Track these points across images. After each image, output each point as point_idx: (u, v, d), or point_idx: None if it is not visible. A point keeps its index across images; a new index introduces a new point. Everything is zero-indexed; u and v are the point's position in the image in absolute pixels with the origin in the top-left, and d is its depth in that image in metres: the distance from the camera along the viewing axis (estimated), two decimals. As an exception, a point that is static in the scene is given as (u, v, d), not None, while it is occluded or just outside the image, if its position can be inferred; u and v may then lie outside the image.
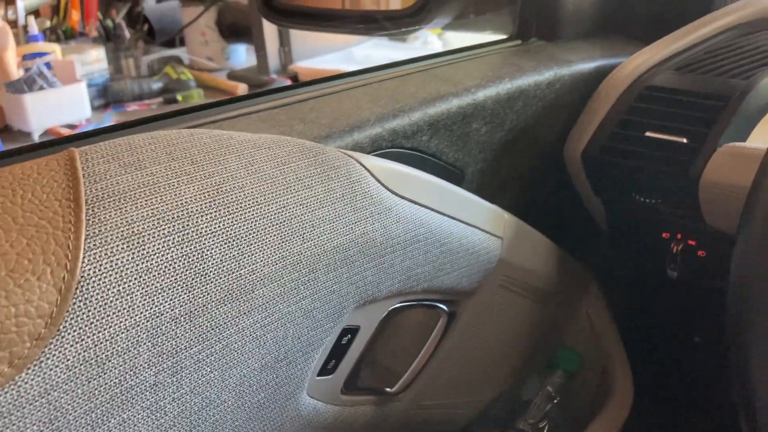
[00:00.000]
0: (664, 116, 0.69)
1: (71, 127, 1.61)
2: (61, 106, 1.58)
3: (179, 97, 1.78)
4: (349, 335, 0.51)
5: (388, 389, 0.59)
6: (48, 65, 1.61)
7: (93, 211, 0.34)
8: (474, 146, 0.66)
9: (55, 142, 0.48)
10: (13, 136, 1.55)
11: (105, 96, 1.76)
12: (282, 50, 1.88)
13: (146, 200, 0.36)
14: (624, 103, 0.72)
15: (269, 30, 1.84)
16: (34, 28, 1.66)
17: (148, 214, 0.35)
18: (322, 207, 0.43)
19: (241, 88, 1.78)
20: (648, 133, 0.69)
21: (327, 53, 1.90)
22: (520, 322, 0.72)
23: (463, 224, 0.56)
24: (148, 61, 1.89)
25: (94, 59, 1.75)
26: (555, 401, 0.78)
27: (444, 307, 0.60)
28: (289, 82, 1.77)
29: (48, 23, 1.84)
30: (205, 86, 1.84)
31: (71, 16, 1.80)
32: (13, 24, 1.70)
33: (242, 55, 2.01)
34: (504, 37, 0.80)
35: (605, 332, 0.83)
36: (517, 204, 0.75)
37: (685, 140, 0.67)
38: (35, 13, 1.85)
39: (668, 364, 0.90)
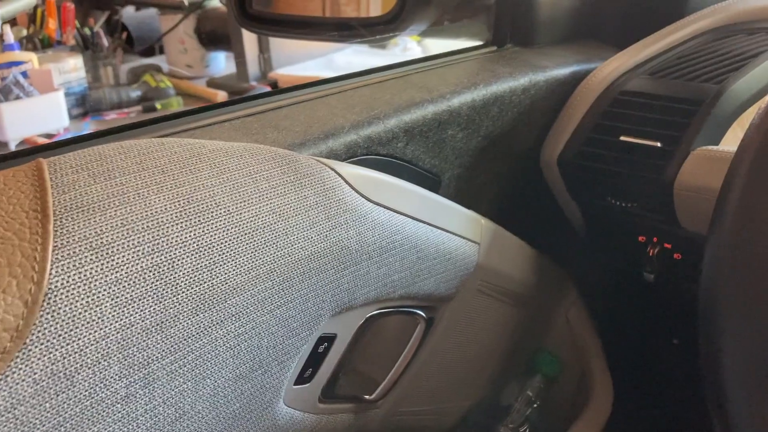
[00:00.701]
0: (638, 121, 0.70)
1: (49, 136, 1.59)
2: (38, 115, 1.57)
3: (158, 105, 1.76)
4: (326, 343, 0.51)
5: (366, 397, 0.59)
6: (24, 74, 1.59)
7: (61, 221, 0.34)
8: (450, 152, 0.66)
9: (29, 152, 0.48)
10: (-12, 145, 1.53)
11: (83, 105, 1.74)
12: (261, 57, 1.88)
13: (115, 210, 0.35)
14: (599, 108, 0.73)
15: (248, 37, 1.83)
16: (9, 36, 1.64)
17: (117, 224, 0.35)
18: (296, 215, 0.43)
19: (221, 96, 1.77)
20: (622, 138, 0.70)
21: (307, 60, 1.90)
22: (499, 327, 0.73)
23: (440, 230, 0.56)
24: (127, 70, 1.87)
25: (72, 68, 1.73)
26: (535, 405, 0.78)
27: (422, 314, 0.60)
28: (268, 89, 1.77)
29: (25, 32, 1.82)
30: (184, 94, 1.83)
31: (48, 24, 1.78)
32: (-11, 33, 1.69)
33: (222, 63, 2.00)
34: (480, 43, 0.81)
35: (584, 336, 0.83)
36: (494, 209, 0.75)
37: (659, 144, 0.67)
38: (12, 22, 1.83)
39: (647, 367, 0.90)
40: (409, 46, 1.87)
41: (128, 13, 2.04)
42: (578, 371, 0.83)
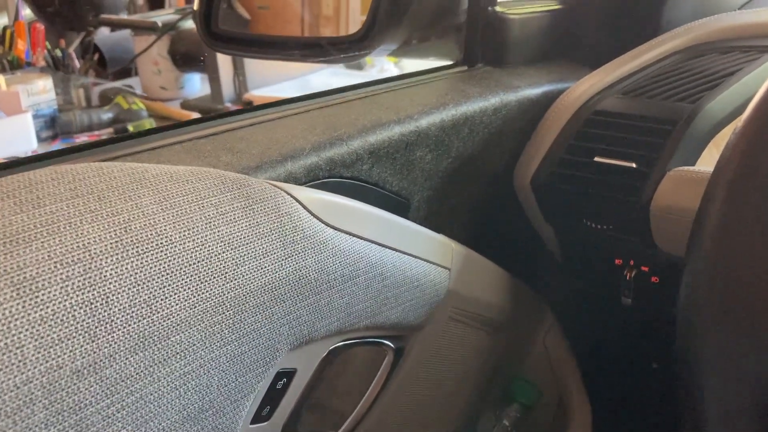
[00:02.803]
0: (612, 141, 0.68)
1: (16, 159, 1.55)
2: (4, 138, 1.53)
3: (130, 128, 1.73)
4: (285, 379, 0.48)
5: None
6: (-9, 96, 1.56)
7: None
8: (419, 174, 0.64)
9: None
10: (-46, 169, 1.49)
11: (53, 127, 1.71)
12: (236, 79, 1.85)
13: (42, 242, 0.32)
14: (572, 128, 0.71)
15: (223, 59, 1.81)
16: (-23, 58, 1.61)
17: (43, 257, 0.32)
18: (247, 243, 0.40)
19: (194, 118, 1.74)
20: (597, 159, 0.68)
21: (283, 81, 1.88)
22: (474, 355, 0.70)
23: (407, 256, 0.54)
24: (99, 92, 1.84)
25: (41, 89, 1.69)
26: (512, 436, 0.75)
27: (390, 344, 0.57)
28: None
29: (-7, 54, 1.78)
30: (157, 116, 1.80)
31: (17, 45, 1.75)
32: (-44, 54, 1.65)
33: (196, 84, 1.97)
34: (450, 62, 0.79)
35: (562, 362, 0.81)
36: (467, 233, 0.73)
37: (634, 165, 0.66)
38: (-19, 43, 1.80)
39: (626, 392, 0.88)
40: (386, 67, 1.86)
41: (102, 34, 2.01)
42: (556, 398, 0.81)
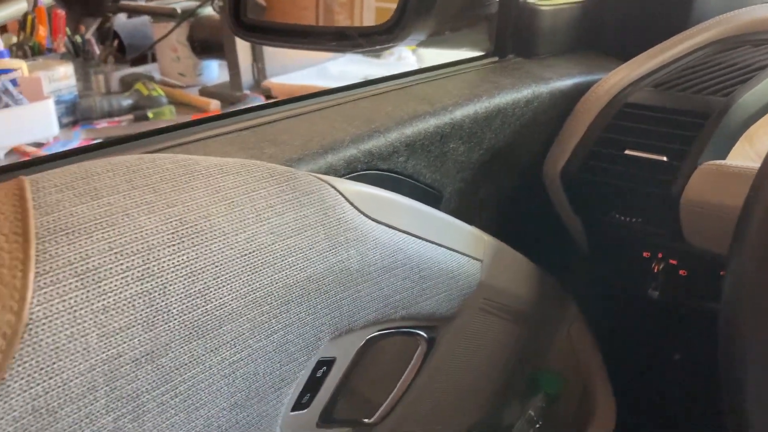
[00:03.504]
0: (643, 134, 0.68)
1: (38, 145, 1.56)
2: (27, 123, 1.54)
3: (150, 114, 1.74)
4: (325, 367, 0.48)
5: (366, 420, 0.57)
6: (14, 82, 1.56)
7: (43, 245, 0.31)
8: (452, 166, 0.64)
9: (9, 168, 0.45)
10: (-23, 154, 1.50)
11: (74, 113, 1.71)
12: (255, 66, 1.85)
13: (103, 233, 0.33)
14: (602, 120, 0.71)
15: (242, 46, 1.81)
16: (-1, 43, 1.62)
17: (104, 248, 0.33)
18: (295, 235, 0.41)
19: (213, 105, 1.75)
20: (627, 152, 0.68)
21: (301, 69, 1.87)
22: (501, 346, 0.71)
23: (443, 248, 0.54)
24: (118, 78, 1.85)
25: (62, 76, 1.70)
26: (537, 425, 0.76)
27: (423, 334, 0.58)
28: (262, 98, 1.74)
29: (14, 39, 1.79)
30: (176, 102, 1.80)
31: (38, 32, 1.76)
32: (-22, 40, 1.66)
33: (214, 71, 1.97)
34: (480, 53, 0.79)
35: (586, 353, 0.81)
36: (496, 223, 0.73)
37: (665, 158, 0.66)
38: (1, 29, 1.81)
39: (650, 383, 0.88)
40: (404, 55, 1.85)
41: (120, 20, 2.02)
42: (580, 389, 0.81)
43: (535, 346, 0.78)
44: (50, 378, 0.30)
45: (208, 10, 1.91)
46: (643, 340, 0.86)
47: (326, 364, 0.48)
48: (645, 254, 0.72)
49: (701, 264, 0.68)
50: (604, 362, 0.81)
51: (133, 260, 0.33)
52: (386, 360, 0.56)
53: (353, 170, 0.54)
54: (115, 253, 0.33)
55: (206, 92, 1.86)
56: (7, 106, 1.51)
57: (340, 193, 0.44)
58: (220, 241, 0.37)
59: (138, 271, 0.33)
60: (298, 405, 0.48)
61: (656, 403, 0.88)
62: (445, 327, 0.60)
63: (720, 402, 0.47)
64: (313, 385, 0.48)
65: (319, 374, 0.48)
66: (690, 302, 0.71)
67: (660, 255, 0.71)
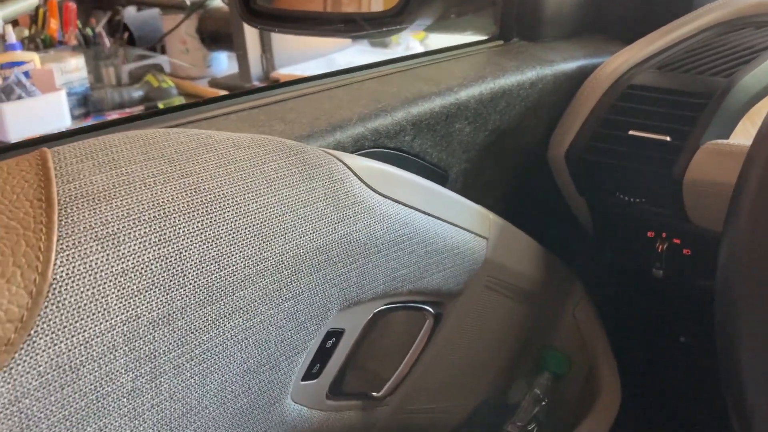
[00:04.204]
0: (646, 115, 0.69)
1: (51, 136, 1.58)
2: (40, 115, 1.56)
3: (160, 105, 1.76)
4: (334, 338, 0.50)
5: (374, 393, 0.58)
6: (26, 74, 1.58)
7: (66, 211, 0.33)
8: (457, 146, 0.66)
9: (32, 143, 0.47)
10: (-9, 146, 1.52)
11: (85, 105, 1.74)
12: (264, 57, 1.87)
13: (121, 200, 0.35)
14: (606, 102, 0.72)
15: (251, 37, 1.82)
16: (11, 36, 1.63)
17: (123, 214, 0.34)
18: (304, 206, 0.43)
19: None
20: (631, 132, 0.69)
21: (309, 60, 1.89)
22: (506, 324, 0.72)
23: (449, 224, 0.55)
24: (129, 70, 1.87)
25: (74, 68, 1.72)
26: (543, 403, 0.77)
27: (430, 309, 0.59)
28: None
29: (27, 32, 1.81)
30: (186, 94, 1.82)
31: (50, 24, 1.78)
32: (-10, 33, 1.68)
33: (224, 63, 1.99)
34: (486, 37, 0.80)
35: (591, 333, 0.82)
36: (501, 204, 0.75)
37: (668, 138, 0.67)
38: (13, 22, 1.83)
39: (655, 364, 0.89)
40: (411, 44, 1.86)
41: (130, 13, 2.04)
42: (586, 368, 0.82)
43: (541, 326, 0.79)
44: (73, 336, 0.32)
45: (217, 2, 1.92)
46: (649, 320, 0.87)
47: (335, 335, 0.50)
48: (649, 234, 0.73)
49: (705, 243, 0.69)
50: (609, 342, 0.82)
51: (150, 226, 0.35)
52: (394, 334, 0.57)
53: (360, 148, 0.56)
54: (133, 219, 0.35)
55: (215, 83, 1.88)
56: (20, 97, 1.53)
57: (349, 168, 0.46)
58: (232, 209, 0.39)
59: (155, 237, 0.35)
60: (309, 375, 0.49)
61: (661, 383, 0.90)
62: (451, 303, 0.61)
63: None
64: (322, 356, 0.50)
65: (328, 345, 0.50)
66: (694, 281, 0.72)
67: (664, 235, 0.72)
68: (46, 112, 1.57)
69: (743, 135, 0.66)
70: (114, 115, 1.72)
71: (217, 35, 1.92)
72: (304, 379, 0.49)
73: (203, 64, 1.97)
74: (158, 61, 1.95)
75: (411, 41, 1.87)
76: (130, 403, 0.35)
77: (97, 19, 1.95)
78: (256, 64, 1.87)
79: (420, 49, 1.85)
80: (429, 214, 0.53)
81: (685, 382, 0.88)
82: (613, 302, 0.86)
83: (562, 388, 0.81)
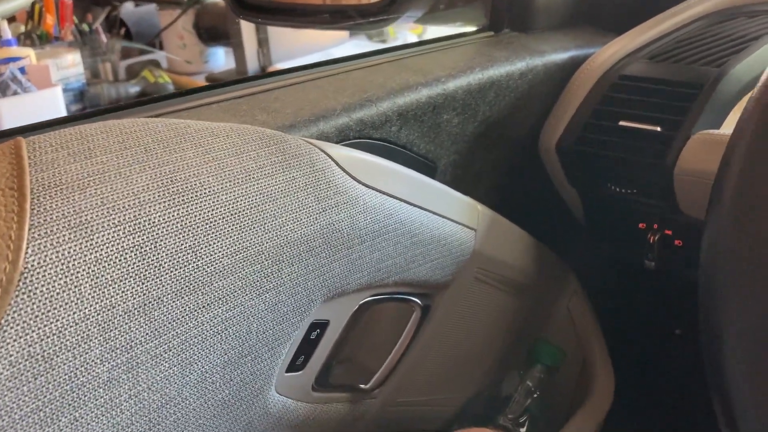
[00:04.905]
0: (637, 105, 0.68)
1: (47, 132, 1.58)
2: (35, 111, 1.55)
3: (157, 101, 1.75)
4: (318, 330, 0.50)
5: (362, 386, 0.58)
6: (22, 70, 1.58)
7: (38, 200, 0.33)
8: (446, 138, 0.65)
9: (9, 133, 0.47)
10: (-13, 142, 1.52)
11: (81, 100, 1.73)
12: (260, 52, 1.86)
13: (95, 189, 0.34)
14: (597, 93, 0.72)
15: (247, 32, 1.82)
16: (7, 32, 1.63)
17: (97, 203, 0.34)
18: (284, 196, 0.42)
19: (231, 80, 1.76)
20: (622, 123, 0.69)
21: (306, 54, 1.88)
22: (498, 316, 0.72)
23: (435, 215, 0.55)
24: (126, 65, 1.86)
25: (70, 63, 1.72)
26: (535, 396, 0.77)
27: (418, 301, 0.59)
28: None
29: (22, 28, 1.81)
30: (183, 90, 1.82)
31: (46, 20, 1.77)
32: (-14, 29, 1.68)
33: (221, 58, 1.98)
34: (476, 28, 0.80)
35: (585, 325, 0.82)
36: (492, 197, 0.74)
37: (659, 129, 0.66)
38: (10, 19, 1.82)
39: (649, 356, 0.89)
40: (409, 39, 1.86)
41: (127, 8, 2.03)
42: (579, 361, 0.82)
43: (534, 318, 0.79)
44: (45, 325, 0.32)
45: (214, -3, 1.92)
46: (642, 312, 0.87)
47: (320, 326, 0.49)
48: (641, 225, 0.73)
49: (695, 234, 0.68)
50: (603, 334, 0.82)
51: (124, 215, 0.35)
52: (381, 326, 0.57)
53: (345, 138, 0.55)
54: (107, 207, 0.34)
55: (212, 79, 1.87)
56: (15, 93, 1.53)
57: (330, 157, 0.45)
58: (209, 199, 0.38)
59: (129, 226, 0.35)
60: (293, 366, 0.49)
61: (655, 375, 0.89)
62: (440, 295, 0.61)
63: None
64: (307, 348, 0.49)
65: (313, 336, 0.49)
66: (685, 273, 0.72)
67: (655, 226, 0.72)
68: (42, 108, 1.56)
69: (734, 124, 0.66)
70: (110, 111, 1.71)
71: (214, 30, 1.92)
72: (288, 370, 0.49)
73: (200, 60, 1.97)
74: (155, 57, 1.95)
75: (408, 35, 1.86)
76: (107, 394, 0.35)
77: (94, 14, 1.95)
78: (253, 59, 1.86)
79: (417, 43, 1.85)
80: (414, 205, 0.52)
81: (679, 374, 0.87)
82: (606, 294, 0.85)
83: (555, 380, 0.80)
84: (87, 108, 1.72)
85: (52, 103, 1.58)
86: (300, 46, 1.91)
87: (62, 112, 1.59)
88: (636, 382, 0.87)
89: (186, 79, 1.89)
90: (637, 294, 0.85)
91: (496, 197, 0.75)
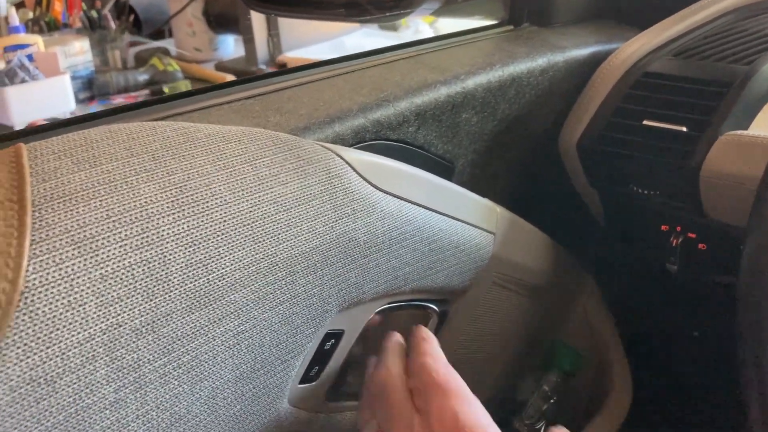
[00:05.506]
0: (662, 104, 0.66)
1: (54, 121, 1.56)
2: (43, 99, 1.54)
3: (166, 89, 1.73)
4: (333, 340, 0.48)
5: None
6: (30, 57, 1.56)
7: (40, 213, 0.31)
8: (464, 137, 0.63)
9: (9, 137, 0.45)
10: (-6, 130, 1.51)
11: (90, 88, 1.72)
12: (270, 40, 1.84)
13: (101, 200, 0.32)
14: (620, 90, 0.69)
15: (257, 20, 1.79)
16: (15, 19, 1.61)
17: (102, 216, 0.32)
18: (299, 205, 0.40)
19: (229, 79, 1.74)
20: (645, 122, 0.66)
21: (316, 43, 1.86)
22: (515, 320, 0.70)
23: (453, 220, 0.53)
24: (134, 53, 1.84)
25: (78, 51, 1.70)
26: (552, 401, 0.75)
27: (434, 307, 0.57)
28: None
29: (30, 14, 1.79)
30: (192, 77, 1.80)
31: (54, 7, 1.76)
32: (-6, 16, 1.66)
33: (230, 46, 1.96)
34: (495, 22, 0.77)
35: (602, 328, 0.80)
36: (509, 197, 0.72)
37: (684, 129, 0.64)
38: (18, 4, 1.81)
39: (667, 361, 0.87)
40: (420, 28, 1.83)
41: (136, -5, 2.01)
42: (595, 364, 0.80)
43: (550, 321, 0.77)
44: (47, 347, 0.30)
45: (224, -16, 1.89)
46: (661, 315, 0.85)
47: (334, 336, 0.48)
48: (663, 227, 0.71)
49: (721, 238, 0.66)
50: (620, 337, 0.80)
51: (131, 228, 0.33)
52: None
53: (361, 140, 0.53)
54: (113, 221, 0.32)
55: (222, 67, 1.85)
56: (23, 81, 1.51)
57: (347, 162, 0.43)
58: (221, 209, 0.36)
59: (137, 240, 0.33)
60: (307, 378, 0.47)
61: (674, 379, 0.87)
62: (457, 300, 0.59)
63: (738, 377, 0.46)
64: (321, 358, 0.48)
65: (327, 347, 0.47)
66: (709, 277, 0.70)
67: (678, 228, 0.69)
68: (50, 95, 1.55)
69: (764, 125, 0.64)
70: (119, 99, 1.70)
71: (223, 18, 1.90)
72: (301, 382, 0.47)
73: (210, 47, 1.95)
74: (164, 44, 1.93)
75: (420, 24, 1.83)
76: (113, 415, 0.33)
77: (103, 1, 1.93)
78: (263, 47, 1.84)
79: (430, 32, 1.82)
80: (432, 210, 0.50)
81: (698, 379, 0.86)
82: (624, 297, 0.83)
83: (572, 384, 0.79)
84: (95, 96, 1.70)
85: (60, 92, 1.56)
86: (310, 34, 1.88)
87: (70, 101, 1.57)
88: (654, 385, 0.85)
89: (195, 67, 1.87)
90: (655, 296, 0.83)
91: (514, 196, 0.73)
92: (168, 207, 0.34)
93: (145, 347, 0.34)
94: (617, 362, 0.78)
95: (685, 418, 0.87)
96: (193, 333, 0.36)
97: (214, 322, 0.37)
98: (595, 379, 0.79)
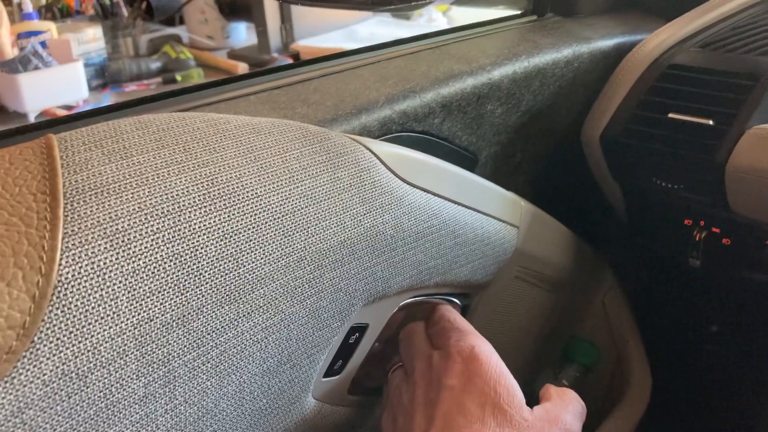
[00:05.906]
0: (688, 97, 0.65)
1: (68, 108, 1.56)
2: (57, 86, 1.53)
3: (178, 77, 1.73)
4: (357, 333, 0.47)
5: None
6: (43, 44, 1.56)
7: (72, 205, 0.30)
8: (488, 129, 0.62)
9: (36, 127, 0.44)
10: (8, 117, 1.50)
11: (102, 76, 1.71)
12: (283, 28, 1.83)
13: (133, 193, 0.32)
14: (645, 82, 0.68)
15: (270, 8, 1.78)
16: (28, 5, 1.61)
17: (134, 209, 0.32)
18: (328, 198, 0.40)
19: (241, 67, 1.73)
20: (671, 115, 0.65)
21: (329, 31, 1.85)
22: (535, 314, 0.69)
23: (479, 213, 0.52)
24: (147, 40, 1.84)
25: (91, 38, 1.69)
26: (570, 395, 0.74)
27: (457, 301, 0.56)
28: (290, 61, 1.72)
29: (43, 1, 1.78)
30: (204, 65, 1.79)
31: (67, -7, 1.75)
32: (7, 2, 1.65)
33: (242, 34, 1.95)
34: (517, 12, 0.76)
35: (621, 322, 0.79)
36: (532, 189, 0.71)
37: (711, 122, 0.63)
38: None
39: (687, 356, 0.86)
40: (434, 16, 1.81)
41: (148, -18, 2.00)
42: (614, 359, 0.80)
43: (568, 315, 0.76)
44: (80, 342, 0.30)
45: (237, -29, 1.88)
46: (682, 311, 0.84)
47: (359, 330, 0.47)
48: (686, 222, 0.70)
49: (746, 233, 0.66)
50: (640, 332, 0.79)
51: (163, 222, 0.32)
52: None
53: (387, 132, 0.52)
54: (145, 214, 0.32)
55: (234, 55, 1.84)
56: (37, 68, 1.51)
57: (375, 155, 0.43)
58: (252, 203, 0.36)
59: (168, 233, 0.32)
60: (330, 371, 0.47)
61: (693, 375, 0.87)
62: (480, 294, 0.58)
63: (759, 373, 0.45)
64: (345, 352, 0.47)
65: (351, 340, 0.47)
66: (732, 272, 0.69)
67: (702, 223, 0.69)
68: (63, 83, 1.54)
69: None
70: (132, 87, 1.69)
71: (236, 5, 1.89)
72: (326, 375, 0.47)
73: (222, 35, 1.94)
74: (176, 32, 1.92)
75: (434, 13, 1.82)
76: (143, 410, 0.33)
77: (116, -12, 1.92)
78: (276, 35, 1.83)
79: (443, 21, 1.80)
80: (458, 203, 0.50)
81: (718, 374, 0.85)
82: (645, 291, 0.83)
83: (590, 378, 0.78)
84: (108, 83, 1.70)
85: (73, 79, 1.56)
86: (323, 22, 1.87)
87: (83, 88, 1.57)
88: (673, 381, 0.84)
89: (208, 55, 1.86)
90: (677, 291, 0.82)
91: (537, 189, 0.72)
92: (199, 200, 0.34)
93: (175, 341, 0.33)
94: (636, 357, 0.77)
95: (703, 413, 0.87)
96: (222, 327, 0.35)
97: (243, 316, 0.36)
98: (614, 373, 0.79)
